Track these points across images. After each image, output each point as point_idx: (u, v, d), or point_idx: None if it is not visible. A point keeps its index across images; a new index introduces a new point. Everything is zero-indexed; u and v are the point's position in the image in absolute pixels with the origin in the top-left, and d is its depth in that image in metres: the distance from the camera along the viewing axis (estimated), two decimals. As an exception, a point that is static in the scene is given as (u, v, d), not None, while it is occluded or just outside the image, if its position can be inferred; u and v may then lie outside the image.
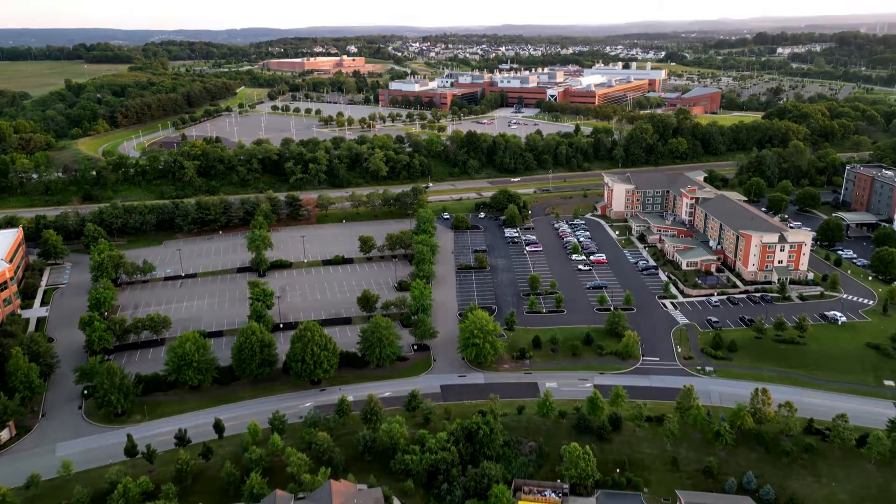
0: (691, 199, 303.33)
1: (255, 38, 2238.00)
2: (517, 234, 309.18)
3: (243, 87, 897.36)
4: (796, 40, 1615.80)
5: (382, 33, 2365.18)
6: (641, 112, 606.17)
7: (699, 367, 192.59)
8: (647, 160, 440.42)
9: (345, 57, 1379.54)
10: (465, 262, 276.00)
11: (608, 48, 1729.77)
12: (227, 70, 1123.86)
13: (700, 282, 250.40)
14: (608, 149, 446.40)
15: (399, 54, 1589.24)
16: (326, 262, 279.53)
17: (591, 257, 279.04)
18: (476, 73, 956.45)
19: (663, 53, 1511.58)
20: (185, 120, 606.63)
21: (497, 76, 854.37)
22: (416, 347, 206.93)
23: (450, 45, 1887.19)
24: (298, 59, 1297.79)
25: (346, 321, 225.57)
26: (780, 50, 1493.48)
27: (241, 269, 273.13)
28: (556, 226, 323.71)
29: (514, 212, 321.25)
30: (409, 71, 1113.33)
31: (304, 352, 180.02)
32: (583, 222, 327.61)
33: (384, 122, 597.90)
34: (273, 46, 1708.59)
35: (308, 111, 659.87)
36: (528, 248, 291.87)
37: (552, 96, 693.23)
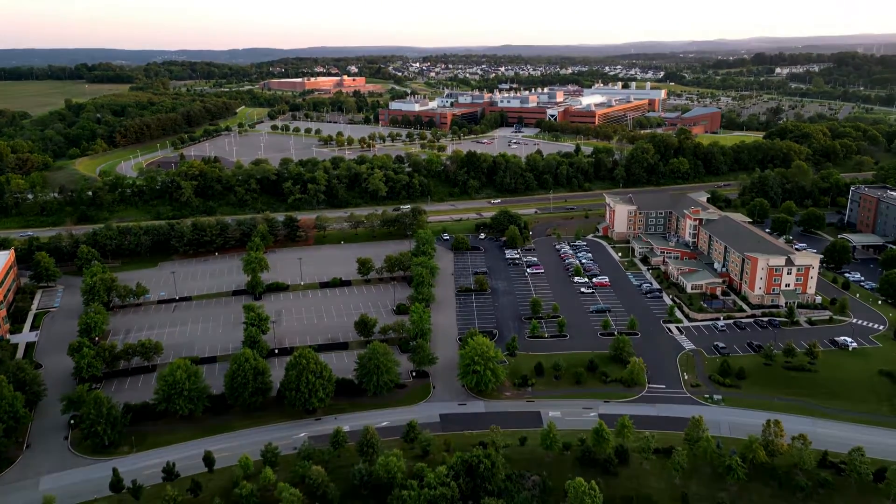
0: (695, 220, 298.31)
1: (258, 58, 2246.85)
2: (518, 256, 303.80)
3: (243, 107, 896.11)
4: (794, 60, 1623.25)
5: (383, 54, 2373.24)
6: (642, 132, 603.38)
7: (707, 396, 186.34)
8: (648, 180, 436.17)
9: (345, 77, 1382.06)
10: (465, 284, 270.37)
11: (607, 68, 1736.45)
12: (227, 90, 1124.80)
13: (705, 305, 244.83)
14: (609, 169, 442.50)
15: (399, 74, 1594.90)
16: (324, 285, 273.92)
17: (594, 280, 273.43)
18: (476, 92, 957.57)
19: (662, 73, 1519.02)
20: (183, 140, 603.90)
21: (497, 96, 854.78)
22: (414, 374, 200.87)
23: (450, 65, 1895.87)
24: (299, 79, 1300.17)
25: (343, 346, 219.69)
26: (778, 70, 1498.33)
27: (236, 292, 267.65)
28: (557, 247, 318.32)
29: (514, 233, 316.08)
30: (409, 91, 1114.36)
31: (299, 380, 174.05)
32: (585, 244, 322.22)
33: (384, 141, 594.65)
34: (274, 66, 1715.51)
35: (308, 131, 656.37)
36: (528, 270, 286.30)
37: (552, 116, 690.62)
